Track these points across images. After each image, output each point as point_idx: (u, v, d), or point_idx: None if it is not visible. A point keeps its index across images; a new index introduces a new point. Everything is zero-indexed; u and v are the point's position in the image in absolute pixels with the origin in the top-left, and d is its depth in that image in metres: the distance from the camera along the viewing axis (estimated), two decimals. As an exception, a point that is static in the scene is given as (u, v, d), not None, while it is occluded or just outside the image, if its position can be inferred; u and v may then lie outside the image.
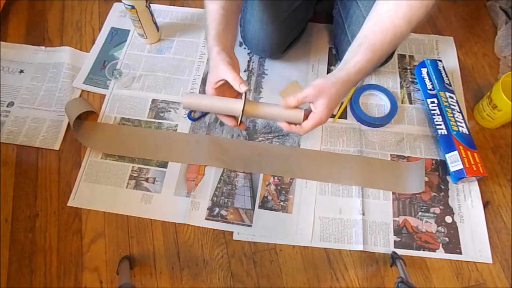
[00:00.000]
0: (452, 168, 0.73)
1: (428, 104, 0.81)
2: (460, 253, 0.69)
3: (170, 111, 0.84)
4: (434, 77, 0.82)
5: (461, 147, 0.73)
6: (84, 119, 0.82)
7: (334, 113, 0.83)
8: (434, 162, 0.77)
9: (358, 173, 0.76)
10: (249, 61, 0.90)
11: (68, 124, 0.81)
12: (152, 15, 0.87)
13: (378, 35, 0.55)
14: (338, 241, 0.70)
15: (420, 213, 0.72)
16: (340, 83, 0.57)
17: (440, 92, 0.80)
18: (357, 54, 0.57)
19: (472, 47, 0.93)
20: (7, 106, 0.84)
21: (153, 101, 0.85)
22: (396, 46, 0.58)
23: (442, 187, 0.75)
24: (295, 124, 0.63)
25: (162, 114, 0.83)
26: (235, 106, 0.61)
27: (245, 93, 0.59)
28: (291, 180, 0.76)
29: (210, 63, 0.62)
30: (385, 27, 0.55)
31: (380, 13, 0.55)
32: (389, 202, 0.74)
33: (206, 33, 0.63)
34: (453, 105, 0.78)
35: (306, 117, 0.63)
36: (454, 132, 0.75)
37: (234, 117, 0.65)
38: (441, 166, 0.77)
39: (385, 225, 0.72)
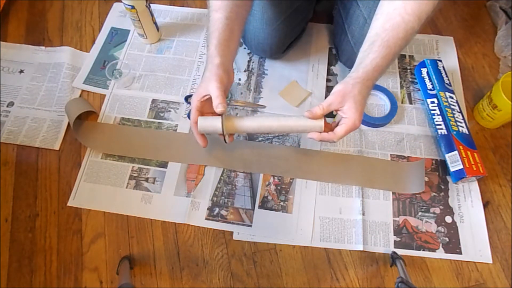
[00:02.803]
0: (452, 168, 0.73)
1: (428, 104, 0.81)
2: (460, 253, 0.69)
3: (170, 111, 0.84)
4: (434, 77, 0.82)
5: (461, 147, 0.73)
6: (84, 119, 0.82)
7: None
8: (434, 162, 0.77)
9: (358, 173, 0.76)
10: (249, 61, 0.90)
11: (68, 124, 0.81)
12: (152, 15, 0.87)
13: (390, 32, 0.54)
14: (338, 241, 0.70)
15: (420, 213, 0.72)
16: (360, 83, 0.56)
17: (440, 92, 0.80)
18: (371, 52, 0.55)
19: (472, 47, 0.93)
20: (7, 106, 0.84)
21: (153, 101, 0.85)
22: (408, 42, 0.57)
23: (442, 187, 0.75)
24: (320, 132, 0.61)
25: (162, 114, 0.83)
26: (217, 124, 0.60)
27: (223, 114, 0.58)
28: (291, 180, 0.76)
29: (205, 73, 0.60)
30: (396, 24, 0.54)
31: (388, 11, 0.55)
32: (389, 202, 0.74)
33: (208, 42, 0.62)
34: (453, 105, 0.78)
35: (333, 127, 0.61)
36: (454, 132, 0.75)
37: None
38: (441, 166, 0.77)
39: (385, 225, 0.72)
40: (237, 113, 0.83)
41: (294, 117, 0.62)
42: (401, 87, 0.87)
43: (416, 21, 0.53)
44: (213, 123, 0.60)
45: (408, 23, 0.53)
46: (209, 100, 0.59)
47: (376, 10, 0.57)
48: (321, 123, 0.60)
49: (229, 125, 0.61)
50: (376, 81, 0.58)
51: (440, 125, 0.77)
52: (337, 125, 0.59)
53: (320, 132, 0.60)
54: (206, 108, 0.61)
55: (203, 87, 0.59)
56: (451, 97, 0.79)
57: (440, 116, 0.78)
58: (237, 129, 0.62)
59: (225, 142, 0.63)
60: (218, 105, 0.56)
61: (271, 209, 0.73)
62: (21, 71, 0.90)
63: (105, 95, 0.86)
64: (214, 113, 0.60)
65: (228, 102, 0.83)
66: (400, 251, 0.69)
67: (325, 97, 0.84)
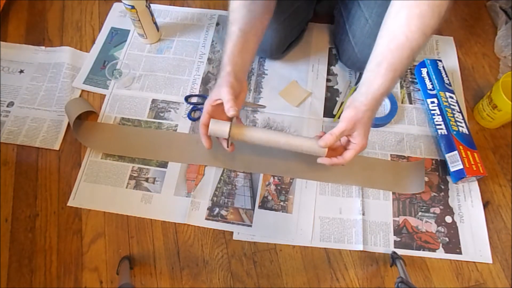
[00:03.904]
0: (452, 168, 0.73)
1: (428, 104, 0.81)
2: (460, 253, 0.69)
3: (170, 111, 0.84)
4: (434, 77, 0.82)
5: (461, 147, 0.73)
6: (84, 119, 0.82)
7: (334, 113, 0.83)
8: (434, 162, 0.77)
9: (358, 173, 0.76)
10: (249, 61, 0.90)
11: (68, 124, 0.81)
12: (152, 15, 0.87)
13: (395, 53, 0.54)
14: (338, 241, 0.70)
15: (420, 213, 0.72)
16: (370, 110, 0.57)
17: (440, 92, 0.80)
18: (378, 76, 0.55)
19: (472, 47, 0.93)
20: (7, 106, 0.84)
21: (153, 101, 0.85)
22: (414, 59, 0.58)
23: (442, 187, 0.75)
24: (335, 156, 0.62)
25: (162, 114, 0.83)
26: (225, 129, 0.61)
27: (233, 117, 0.60)
28: (291, 180, 0.76)
29: (217, 80, 0.63)
30: (400, 44, 0.53)
31: (392, 29, 0.54)
32: (389, 202, 0.74)
33: (222, 52, 0.64)
34: (453, 105, 0.78)
35: (340, 148, 0.63)
36: (454, 132, 0.75)
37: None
38: (441, 166, 0.77)
39: (385, 225, 0.72)
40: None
41: (301, 138, 0.64)
42: (401, 87, 0.87)
43: (421, 37, 0.53)
44: (222, 127, 0.61)
45: (413, 41, 0.53)
46: (220, 105, 0.60)
47: (381, 26, 0.56)
48: (325, 149, 0.62)
49: (236, 132, 0.62)
50: (382, 102, 0.60)
51: (440, 125, 0.77)
52: (344, 146, 0.62)
53: (328, 156, 0.62)
54: (217, 113, 0.63)
55: (215, 93, 0.61)
56: (451, 97, 0.79)
57: (440, 116, 0.78)
58: (243, 138, 0.63)
59: (227, 147, 0.64)
60: (229, 108, 0.57)
61: (271, 209, 0.73)
62: (21, 71, 0.90)
63: (105, 95, 0.86)
64: (225, 119, 0.62)
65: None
66: (400, 251, 0.69)
67: (325, 97, 0.85)
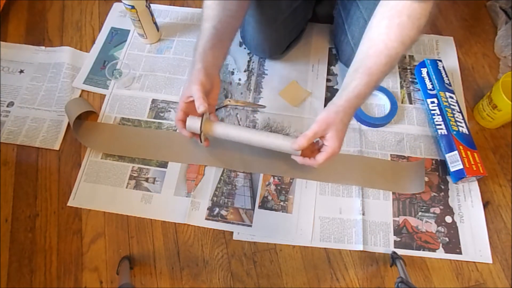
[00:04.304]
0: (452, 168, 0.73)
1: (428, 104, 0.81)
2: (460, 253, 0.69)
3: (170, 111, 0.84)
4: (434, 77, 0.82)
5: (461, 147, 0.73)
6: (84, 119, 0.82)
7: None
8: (434, 162, 0.77)
9: (358, 173, 0.76)
10: (249, 61, 0.90)
11: (68, 124, 0.81)
12: (152, 15, 0.87)
13: (373, 59, 0.55)
14: (338, 241, 0.70)
15: (420, 213, 0.72)
16: (342, 111, 0.57)
17: (440, 92, 0.80)
18: (354, 79, 0.57)
19: (472, 47, 0.93)
20: (7, 106, 0.84)
21: (153, 101, 0.85)
22: (393, 67, 0.59)
23: (442, 187, 0.75)
24: (307, 156, 0.63)
25: (162, 114, 0.83)
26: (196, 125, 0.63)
27: (203, 114, 0.62)
28: (291, 180, 0.76)
29: (188, 77, 0.64)
30: (378, 51, 0.55)
31: (372, 37, 0.56)
32: (389, 202, 0.74)
33: (194, 49, 0.65)
34: (453, 105, 0.78)
35: (315, 149, 0.63)
36: (454, 132, 0.75)
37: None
38: (441, 166, 0.77)
39: (385, 225, 0.72)
40: (237, 113, 0.83)
41: (274, 135, 0.65)
42: (401, 87, 0.87)
43: (400, 47, 0.54)
44: (195, 123, 0.64)
45: (392, 49, 0.54)
46: (193, 102, 0.62)
47: (363, 33, 0.58)
48: (292, 145, 0.62)
49: (207, 127, 0.65)
50: (359, 106, 0.61)
51: (440, 125, 0.77)
52: (319, 148, 0.62)
53: (303, 155, 0.63)
54: (190, 109, 0.65)
55: (187, 89, 0.63)
56: (451, 97, 0.79)
57: (440, 116, 0.78)
58: (214, 132, 0.65)
59: (201, 142, 0.67)
60: (199, 106, 0.59)
61: (271, 209, 0.73)
62: (21, 71, 0.90)
63: (105, 95, 0.86)
64: (199, 115, 0.64)
65: (221, 103, 0.83)
66: (400, 251, 0.69)
67: (325, 97, 0.85)
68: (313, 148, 0.64)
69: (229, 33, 0.66)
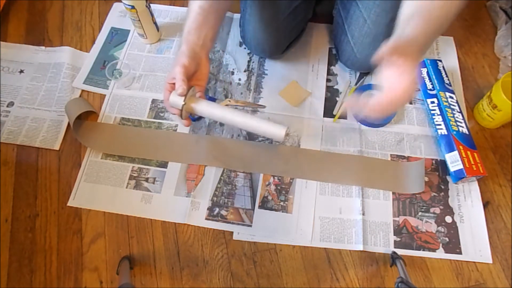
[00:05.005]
0: (452, 168, 0.73)
1: (428, 104, 0.81)
2: (460, 253, 0.69)
3: (170, 111, 0.84)
4: (434, 77, 0.82)
5: (461, 147, 0.73)
6: (84, 119, 0.82)
7: (334, 113, 0.83)
8: (434, 162, 0.77)
9: (358, 173, 0.76)
10: (249, 61, 0.90)
11: (68, 124, 0.81)
12: (152, 15, 0.87)
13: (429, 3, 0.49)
14: (338, 241, 0.70)
15: (420, 213, 0.72)
16: (417, 52, 0.49)
17: (440, 92, 0.80)
18: (411, 26, 0.49)
19: (472, 47, 0.93)
20: (7, 106, 0.84)
21: (153, 101, 0.85)
22: (450, 19, 0.51)
23: (442, 187, 0.75)
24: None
25: (162, 114, 0.83)
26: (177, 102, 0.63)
27: (191, 89, 0.63)
28: (291, 180, 0.76)
29: (175, 58, 0.65)
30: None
31: None
32: (389, 202, 0.74)
33: (182, 30, 0.65)
34: (453, 105, 0.78)
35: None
36: (454, 132, 0.75)
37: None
38: (441, 166, 0.77)
39: (385, 225, 0.72)
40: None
41: (258, 119, 0.65)
42: (401, 87, 0.87)
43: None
44: (178, 99, 0.63)
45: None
46: None
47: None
48: (282, 132, 0.62)
49: (191, 103, 0.65)
50: (425, 51, 0.55)
51: (440, 125, 0.77)
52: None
53: (283, 142, 0.61)
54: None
55: (172, 71, 0.63)
56: (451, 97, 0.79)
57: (440, 116, 0.78)
58: (198, 109, 0.65)
59: (181, 119, 0.65)
60: (178, 87, 0.60)
61: (271, 209, 0.73)
62: (21, 71, 0.90)
63: (105, 95, 0.86)
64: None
65: (221, 103, 0.83)
66: (400, 251, 0.69)
67: (325, 97, 0.85)
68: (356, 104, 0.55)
69: (216, 12, 0.65)
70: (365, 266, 0.69)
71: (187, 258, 0.70)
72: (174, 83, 0.63)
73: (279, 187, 0.75)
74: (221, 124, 0.82)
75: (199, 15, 0.63)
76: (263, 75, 0.88)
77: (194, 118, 0.82)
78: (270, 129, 0.62)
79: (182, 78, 0.60)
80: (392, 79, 0.48)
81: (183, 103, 0.62)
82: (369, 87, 0.84)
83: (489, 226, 0.71)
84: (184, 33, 0.64)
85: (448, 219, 0.72)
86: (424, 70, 0.84)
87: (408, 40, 0.48)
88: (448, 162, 0.74)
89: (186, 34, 0.63)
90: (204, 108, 0.66)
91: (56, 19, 0.99)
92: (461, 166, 0.71)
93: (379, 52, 0.48)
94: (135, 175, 0.77)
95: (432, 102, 0.80)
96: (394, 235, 0.71)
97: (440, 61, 0.84)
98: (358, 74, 0.88)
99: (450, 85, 0.81)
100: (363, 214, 0.72)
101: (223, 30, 0.95)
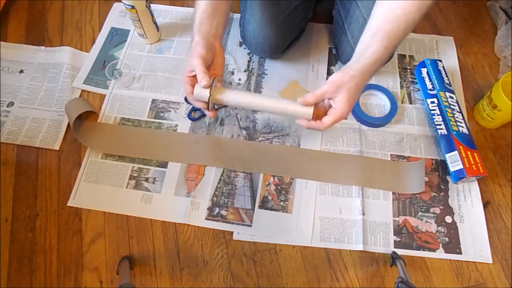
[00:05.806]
0: (452, 168, 0.73)
1: (428, 104, 0.81)
2: (460, 253, 0.69)
3: (170, 111, 0.84)
4: (434, 77, 0.82)
5: (461, 147, 0.73)
6: (84, 119, 0.82)
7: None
8: (434, 162, 0.77)
9: (358, 173, 0.76)
10: (249, 61, 0.90)
11: (68, 124, 0.81)
12: (152, 15, 0.87)
13: (391, 24, 0.54)
14: (338, 241, 0.70)
15: (420, 213, 0.72)
16: (358, 76, 0.56)
17: (440, 92, 0.80)
18: (372, 44, 0.55)
19: (472, 47, 0.93)
20: (7, 106, 0.84)
21: (153, 101, 0.85)
22: (407, 34, 0.58)
23: (442, 187, 0.75)
24: (308, 120, 0.61)
25: (162, 114, 0.83)
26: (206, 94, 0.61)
27: (213, 80, 0.61)
28: (291, 180, 0.76)
29: (189, 51, 0.63)
30: (397, 16, 0.54)
31: (388, 4, 0.55)
32: (389, 202, 0.74)
33: (192, 22, 0.65)
34: (453, 105, 0.78)
35: (323, 114, 0.61)
36: (454, 132, 0.75)
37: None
38: (441, 166, 0.77)
39: (385, 225, 0.72)
40: (237, 113, 0.83)
41: (286, 100, 0.63)
42: (401, 87, 0.87)
43: (417, 12, 0.54)
44: (203, 91, 0.61)
45: (409, 14, 0.54)
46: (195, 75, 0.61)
47: (373, 7, 0.57)
48: (310, 110, 0.60)
49: (217, 93, 0.63)
50: (375, 72, 0.59)
51: (440, 125, 0.77)
52: (325, 114, 0.60)
53: (308, 120, 0.61)
54: (195, 82, 0.63)
55: (189, 63, 0.62)
56: (451, 97, 0.79)
57: (440, 116, 0.78)
58: (225, 99, 0.63)
59: (208, 110, 0.64)
60: (201, 80, 0.58)
61: (271, 209, 0.73)
62: (21, 71, 0.90)
63: (105, 95, 0.86)
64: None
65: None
66: (400, 251, 0.69)
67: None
68: (317, 113, 0.61)
69: (224, 3, 0.65)
70: (365, 266, 0.69)
71: (187, 258, 0.70)
72: (193, 76, 0.62)
73: (279, 187, 0.75)
74: (221, 124, 0.82)
75: (209, 4, 0.62)
76: (263, 75, 0.88)
77: (194, 118, 0.82)
78: (299, 109, 0.61)
79: (203, 70, 0.59)
80: (343, 103, 0.56)
81: (209, 95, 0.60)
82: (368, 87, 0.84)
83: (489, 226, 0.71)
84: (195, 24, 0.63)
85: (448, 219, 0.72)
86: (424, 70, 0.84)
87: (361, 72, 0.56)
88: (448, 162, 0.74)
89: (198, 25, 0.63)
90: (230, 97, 0.64)
91: (56, 19, 0.99)
92: (461, 166, 0.71)
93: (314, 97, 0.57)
94: (135, 175, 0.77)
95: (432, 102, 0.80)
96: (394, 235, 0.71)
97: (440, 61, 0.84)
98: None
99: (450, 85, 0.81)
100: (363, 214, 0.72)
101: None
